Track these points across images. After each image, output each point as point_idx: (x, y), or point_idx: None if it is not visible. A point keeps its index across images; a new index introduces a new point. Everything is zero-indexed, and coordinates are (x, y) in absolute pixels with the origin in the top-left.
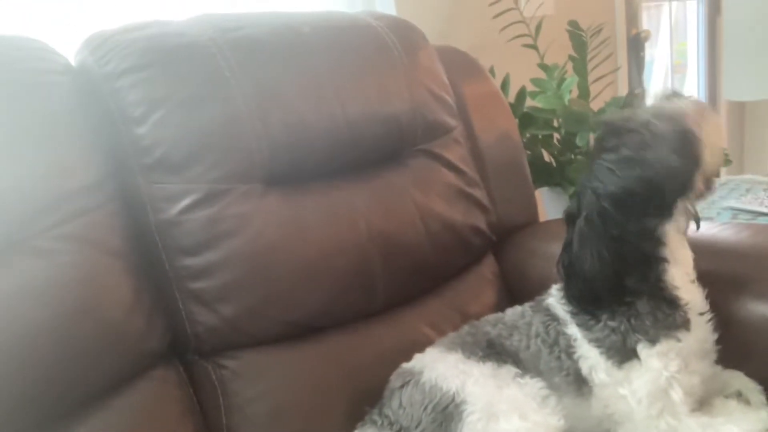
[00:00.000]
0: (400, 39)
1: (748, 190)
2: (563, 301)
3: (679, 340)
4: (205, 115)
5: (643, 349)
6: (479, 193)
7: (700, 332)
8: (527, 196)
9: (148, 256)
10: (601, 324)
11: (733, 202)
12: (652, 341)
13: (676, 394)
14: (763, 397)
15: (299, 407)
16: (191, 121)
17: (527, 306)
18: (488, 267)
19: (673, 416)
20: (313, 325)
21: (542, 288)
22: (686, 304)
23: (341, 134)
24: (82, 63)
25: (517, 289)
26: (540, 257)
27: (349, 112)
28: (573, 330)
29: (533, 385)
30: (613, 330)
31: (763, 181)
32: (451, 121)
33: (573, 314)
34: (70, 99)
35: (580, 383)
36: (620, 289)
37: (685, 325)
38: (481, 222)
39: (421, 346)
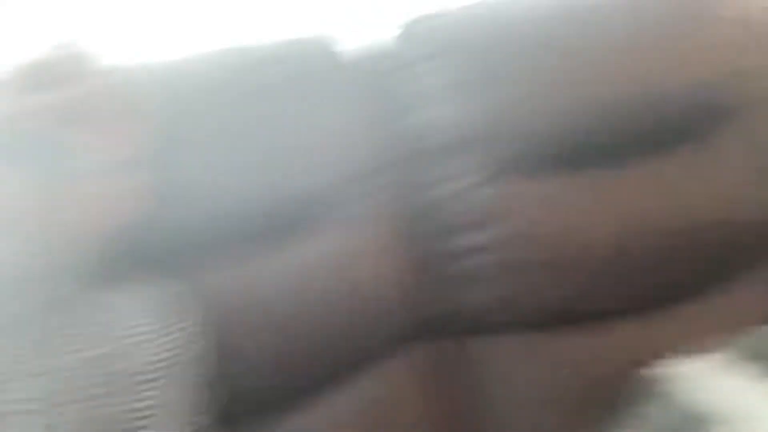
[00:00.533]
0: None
1: None
2: None
3: None
4: (487, 99)
5: None
6: None
7: None
8: None
9: (424, 235)
10: None
11: None
12: None
13: None
14: None
15: (561, 398)
16: (472, 105)
17: None
18: None
19: None
20: (570, 315)
21: None
22: None
23: (636, 111)
24: (374, 48)
25: None
26: None
27: (647, 84)
28: None
29: None
30: None
31: None
32: None
33: None
34: (356, 87)
35: None
36: None
37: None
38: None
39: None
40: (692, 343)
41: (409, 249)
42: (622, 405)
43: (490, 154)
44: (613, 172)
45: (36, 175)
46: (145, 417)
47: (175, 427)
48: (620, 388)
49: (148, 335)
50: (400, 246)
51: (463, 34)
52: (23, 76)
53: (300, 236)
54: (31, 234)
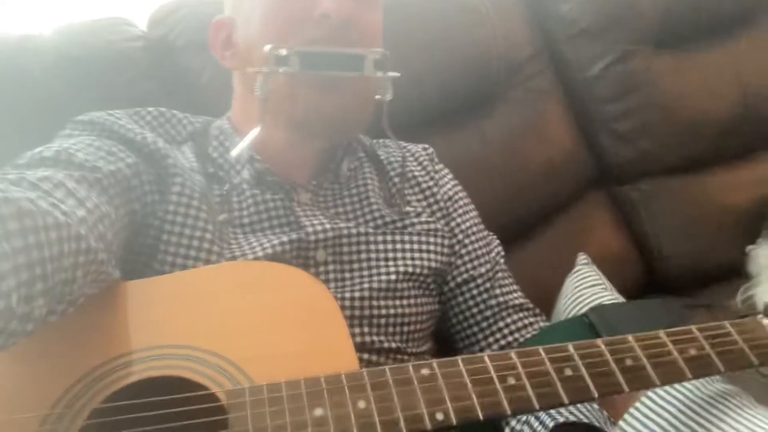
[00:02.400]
0: None
1: None
2: None
3: None
4: None
5: None
6: None
7: None
8: None
9: (579, 105)
10: None
11: None
12: None
13: None
14: None
15: (702, 221)
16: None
17: None
18: None
19: None
20: (703, 161)
21: None
22: None
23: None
24: None
25: None
26: None
27: None
28: None
29: None
30: None
31: None
32: None
33: None
34: None
35: None
36: None
37: None
38: None
39: None
40: None
41: (576, 117)
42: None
43: (621, 37)
44: (711, 48)
45: None
46: None
47: None
48: (748, 215)
49: None
50: (569, 115)
51: None
52: None
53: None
54: None
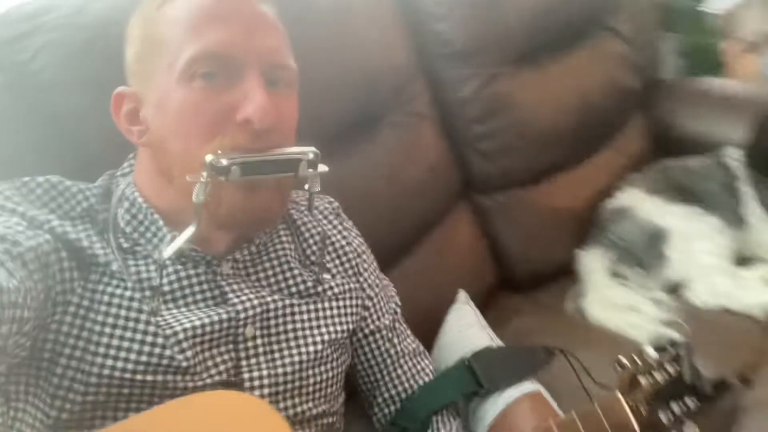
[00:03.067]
0: None
1: None
2: (744, 161)
3: None
4: (493, 14)
5: None
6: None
7: None
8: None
9: (451, 124)
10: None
11: None
12: None
13: None
14: None
15: (545, 229)
16: (480, 18)
17: (709, 158)
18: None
19: None
20: (543, 171)
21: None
22: None
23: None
24: None
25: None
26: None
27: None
28: (748, 187)
29: (712, 221)
30: None
31: None
32: None
33: (752, 175)
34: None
35: (739, 220)
36: None
37: None
38: (635, 82)
39: (616, 184)
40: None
41: (447, 136)
42: (595, 228)
43: (489, 60)
44: (557, 63)
45: None
46: None
47: None
48: (582, 220)
49: None
50: (442, 135)
51: None
52: None
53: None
54: None
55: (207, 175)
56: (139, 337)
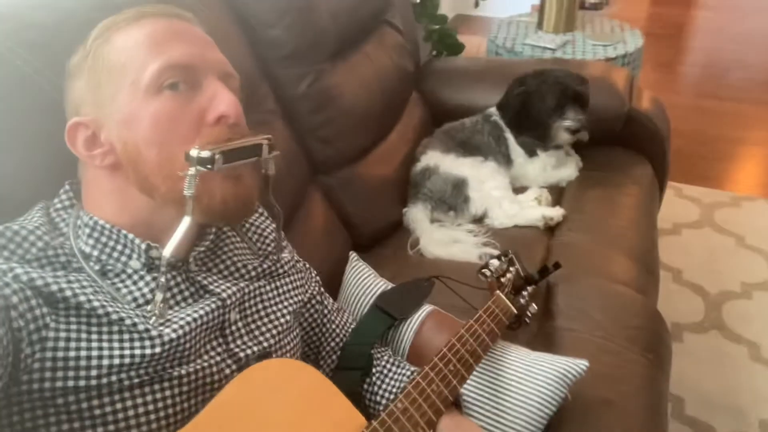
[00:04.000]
0: None
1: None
2: (503, 119)
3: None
4: (313, 17)
5: (540, 151)
6: (407, 45)
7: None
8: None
9: (293, 118)
10: (523, 136)
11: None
12: (546, 150)
13: (550, 169)
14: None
15: (377, 191)
16: (303, 22)
17: (479, 117)
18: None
19: (545, 172)
20: (369, 146)
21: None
22: None
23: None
24: None
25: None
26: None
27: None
28: (509, 135)
29: (491, 165)
30: (525, 142)
31: (527, 22)
32: None
33: (508, 126)
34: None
35: (508, 161)
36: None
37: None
38: (411, 66)
39: (418, 150)
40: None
41: (293, 129)
42: (412, 188)
43: (317, 58)
44: (359, 54)
45: None
46: None
47: None
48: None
49: None
50: (289, 128)
51: None
52: None
53: None
54: None
55: (195, 167)
56: (138, 345)
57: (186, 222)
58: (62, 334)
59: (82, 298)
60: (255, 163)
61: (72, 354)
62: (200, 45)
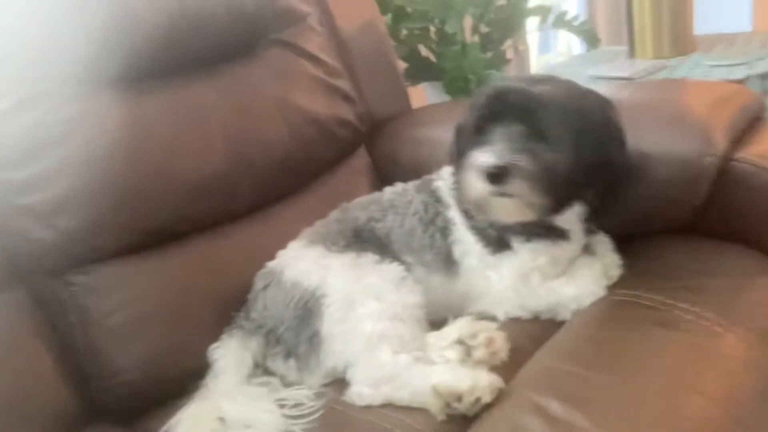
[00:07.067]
0: None
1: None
2: (454, 186)
3: (554, 242)
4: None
5: (517, 243)
6: (343, 84)
7: (576, 242)
8: (397, 85)
9: None
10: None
11: (593, 71)
12: (528, 239)
13: (536, 280)
14: (609, 245)
15: (163, 314)
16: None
17: (411, 184)
18: (360, 159)
19: (526, 286)
20: (174, 231)
21: (414, 174)
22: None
23: (178, 27)
24: None
25: (389, 179)
26: (412, 143)
27: (185, 3)
28: (454, 214)
29: (392, 270)
30: (492, 224)
31: (618, 51)
32: (304, 7)
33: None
34: None
35: (449, 263)
36: None
37: (563, 236)
38: (347, 113)
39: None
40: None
41: None
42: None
43: (24, 74)
44: (179, 83)
45: None
46: None
47: None
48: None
49: None
50: None
51: None
52: None
53: None
54: None
55: None
56: None
57: None
58: None
59: None
60: None
61: None
62: None
